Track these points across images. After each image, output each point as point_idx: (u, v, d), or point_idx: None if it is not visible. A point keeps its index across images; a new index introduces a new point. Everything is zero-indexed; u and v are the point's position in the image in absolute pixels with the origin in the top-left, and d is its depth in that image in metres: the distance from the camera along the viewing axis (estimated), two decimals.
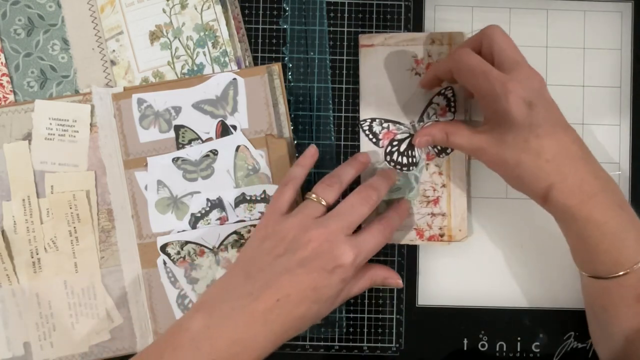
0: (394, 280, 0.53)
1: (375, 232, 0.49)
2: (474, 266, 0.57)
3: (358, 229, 0.50)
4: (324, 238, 0.47)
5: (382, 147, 0.56)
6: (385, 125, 0.56)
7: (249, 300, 0.46)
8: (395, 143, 0.56)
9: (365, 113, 0.56)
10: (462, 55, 0.48)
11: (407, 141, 0.56)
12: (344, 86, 0.57)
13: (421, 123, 0.56)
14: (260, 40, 0.57)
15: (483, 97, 0.48)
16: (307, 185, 0.56)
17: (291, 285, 0.46)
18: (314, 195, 0.49)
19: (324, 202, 0.49)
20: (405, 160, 0.56)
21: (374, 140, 0.56)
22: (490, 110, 0.48)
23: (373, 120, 0.56)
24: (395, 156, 0.56)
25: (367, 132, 0.56)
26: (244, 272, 0.48)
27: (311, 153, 0.53)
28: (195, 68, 0.56)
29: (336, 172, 0.52)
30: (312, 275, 0.46)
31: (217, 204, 0.55)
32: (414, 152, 0.56)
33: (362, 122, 0.56)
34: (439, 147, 0.55)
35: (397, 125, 0.56)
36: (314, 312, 0.47)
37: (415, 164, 0.56)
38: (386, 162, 0.56)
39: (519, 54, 0.48)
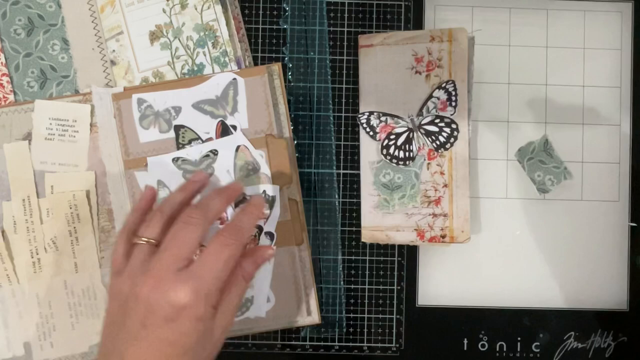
0: (264, 254, 0.47)
1: (216, 248, 0.43)
2: (474, 266, 0.57)
3: None
4: (151, 286, 0.41)
5: (379, 140, 0.56)
6: (383, 118, 0.56)
7: None
8: (392, 137, 0.56)
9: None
10: None
11: (404, 135, 0.56)
12: (344, 86, 0.57)
13: (420, 117, 0.56)
14: (260, 40, 0.57)
15: None
16: (308, 186, 0.56)
17: (143, 352, 0.40)
18: (136, 239, 0.44)
19: (145, 240, 0.43)
20: (401, 154, 0.56)
21: (371, 133, 0.56)
22: None
23: (371, 113, 0.56)
24: (392, 150, 0.56)
25: (364, 125, 0.56)
26: (103, 352, 0.43)
27: (147, 195, 0.48)
28: (195, 68, 0.56)
29: (162, 203, 0.46)
30: (157, 332, 0.40)
31: None
32: (411, 147, 0.56)
33: (359, 116, 0.56)
34: (437, 142, 0.55)
35: (396, 119, 0.56)
36: None
37: (412, 159, 0.56)
38: (383, 156, 0.56)
39: None
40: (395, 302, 0.57)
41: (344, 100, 0.57)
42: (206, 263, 0.42)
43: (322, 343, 0.56)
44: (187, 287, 0.40)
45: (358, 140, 0.57)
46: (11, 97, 0.56)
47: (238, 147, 0.55)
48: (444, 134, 0.55)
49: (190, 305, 0.40)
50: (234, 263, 0.44)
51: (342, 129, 0.57)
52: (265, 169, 0.55)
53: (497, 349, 0.57)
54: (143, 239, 0.44)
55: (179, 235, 0.43)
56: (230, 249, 0.43)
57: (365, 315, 0.56)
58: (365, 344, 0.56)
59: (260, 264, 0.47)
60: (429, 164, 0.56)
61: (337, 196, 0.57)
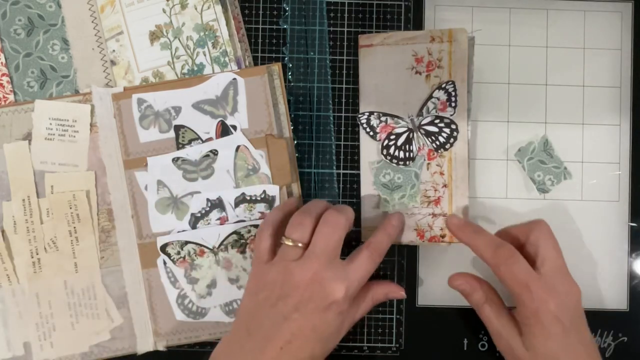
0: (396, 293, 0.53)
1: (364, 259, 0.50)
2: (474, 266, 0.57)
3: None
4: (309, 279, 0.47)
5: (379, 140, 0.56)
6: (383, 119, 0.56)
7: (254, 354, 0.47)
8: (392, 137, 0.56)
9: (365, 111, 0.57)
10: (509, 261, 0.49)
11: (405, 135, 0.56)
12: (344, 86, 0.57)
13: (420, 117, 0.56)
14: (260, 40, 0.57)
15: (519, 305, 0.49)
16: (308, 185, 0.56)
17: (290, 331, 0.46)
18: (285, 240, 0.49)
19: (299, 244, 0.49)
20: (402, 155, 0.56)
21: (371, 133, 0.56)
22: (522, 315, 0.49)
23: (371, 113, 0.56)
24: (392, 150, 0.56)
25: (364, 125, 0.56)
26: (245, 327, 0.48)
27: (292, 201, 0.54)
28: (195, 68, 0.56)
29: (306, 206, 0.51)
30: (308, 317, 0.47)
31: (217, 204, 0.55)
32: (411, 147, 0.56)
33: (360, 116, 0.56)
34: (437, 142, 0.55)
35: (396, 119, 0.56)
36: (320, 350, 0.48)
37: (412, 159, 0.56)
38: (383, 156, 0.56)
39: (562, 259, 0.50)
40: (395, 302, 0.57)
41: (344, 100, 0.57)
42: (357, 269, 0.49)
43: None
44: (341, 286, 0.47)
45: (358, 140, 0.57)
46: (11, 97, 0.56)
47: (238, 147, 0.55)
48: (444, 134, 0.55)
49: (340, 301, 0.47)
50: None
51: (342, 129, 0.57)
52: (265, 169, 0.55)
53: (497, 349, 0.57)
54: (291, 241, 0.49)
55: (329, 238, 0.48)
56: (374, 263, 0.50)
57: (365, 315, 0.56)
58: (365, 344, 0.56)
59: (389, 299, 0.55)
60: (428, 164, 0.56)
61: (337, 196, 0.57)
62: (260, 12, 0.57)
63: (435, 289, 0.57)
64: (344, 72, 0.57)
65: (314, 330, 0.47)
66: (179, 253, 0.55)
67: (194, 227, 0.55)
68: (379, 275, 0.57)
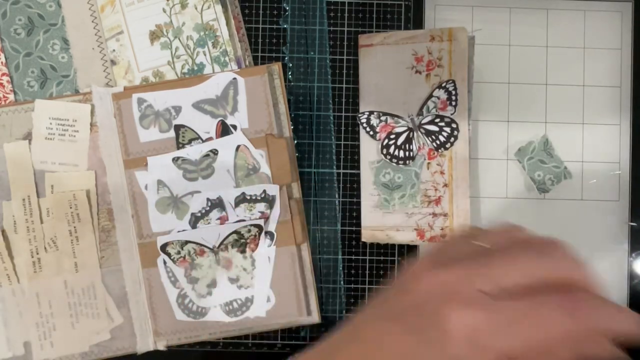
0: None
1: (550, 312, 0.29)
2: None
3: None
4: (440, 281, 0.31)
5: (379, 139, 0.56)
6: (383, 118, 0.56)
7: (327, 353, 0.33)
8: (392, 136, 0.56)
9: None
10: None
11: (404, 134, 0.56)
12: (344, 86, 0.57)
13: (420, 117, 0.56)
14: (260, 40, 0.57)
15: None
16: (308, 185, 0.56)
17: (373, 338, 0.31)
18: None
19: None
20: (402, 154, 0.56)
21: (371, 133, 0.56)
22: None
23: (371, 113, 0.56)
24: (392, 149, 0.56)
25: (364, 124, 0.56)
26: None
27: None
28: (196, 68, 0.56)
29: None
30: (403, 335, 0.30)
31: (217, 203, 0.55)
32: (411, 146, 0.56)
33: (359, 115, 0.56)
34: (438, 142, 0.55)
35: (396, 118, 0.56)
36: None
37: (412, 158, 0.56)
38: (383, 156, 0.56)
39: None
40: None
41: (344, 100, 0.57)
42: (523, 317, 0.29)
43: None
44: (469, 318, 0.29)
45: (358, 140, 0.57)
46: (11, 97, 0.56)
47: (238, 146, 0.55)
48: (444, 134, 0.55)
49: (456, 343, 0.29)
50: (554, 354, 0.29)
51: (342, 128, 0.57)
52: (265, 169, 0.55)
53: None
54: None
55: (508, 255, 0.31)
56: (565, 327, 0.29)
57: None
58: None
59: None
60: (429, 163, 0.56)
61: (337, 196, 0.57)
62: (260, 11, 0.57)
63: None
64: (344, 71, 0.57)
65: (402, 357, 0.30)
66: (179, 253, 0.55)
67: (194, 226, 0.55)
68: (378, 274, 0.57)
